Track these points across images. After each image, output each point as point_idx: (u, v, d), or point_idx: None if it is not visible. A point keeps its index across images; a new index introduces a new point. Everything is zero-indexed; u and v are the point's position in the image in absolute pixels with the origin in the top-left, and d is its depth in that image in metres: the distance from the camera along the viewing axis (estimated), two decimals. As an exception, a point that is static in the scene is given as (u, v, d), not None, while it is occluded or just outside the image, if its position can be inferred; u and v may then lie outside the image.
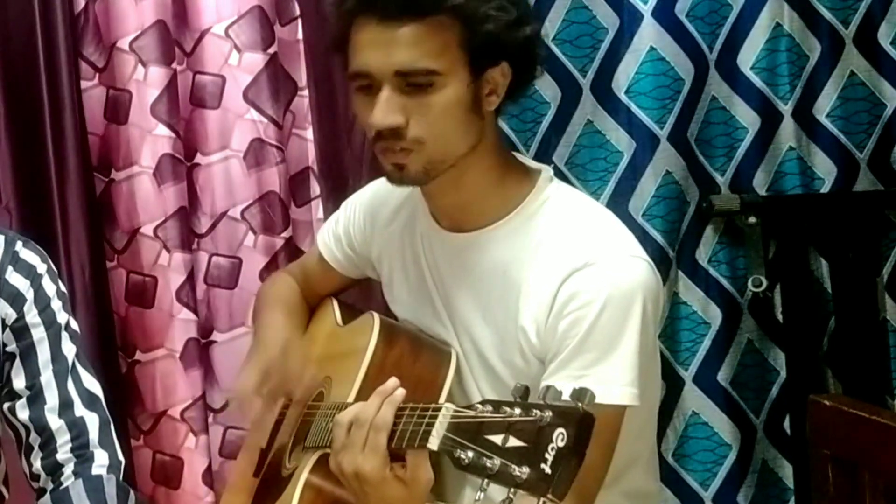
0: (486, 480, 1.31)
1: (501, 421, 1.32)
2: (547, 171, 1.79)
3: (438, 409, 1.40)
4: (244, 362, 1.93)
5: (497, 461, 1.30)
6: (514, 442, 1.30)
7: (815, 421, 1.84)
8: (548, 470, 1.26)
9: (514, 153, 1.83)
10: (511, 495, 1.29)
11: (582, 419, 1.28)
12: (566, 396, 1.32)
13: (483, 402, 1.36)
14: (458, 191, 1.73)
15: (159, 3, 2.49)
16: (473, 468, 1.32)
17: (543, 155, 2.62)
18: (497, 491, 1.32)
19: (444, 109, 1.63)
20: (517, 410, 1.31)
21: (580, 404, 1.29)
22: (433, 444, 1.38)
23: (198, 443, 2.52)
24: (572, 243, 1.69)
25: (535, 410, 1.30)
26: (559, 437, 1.27)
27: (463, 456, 1.33)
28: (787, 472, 2.67)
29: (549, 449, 1.27)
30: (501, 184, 1.75)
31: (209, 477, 2.53)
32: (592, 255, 1.67)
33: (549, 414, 1.28)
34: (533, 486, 1.28)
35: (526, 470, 1.28)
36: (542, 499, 1.28)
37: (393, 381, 1.53)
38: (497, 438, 1.31)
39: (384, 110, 1.62)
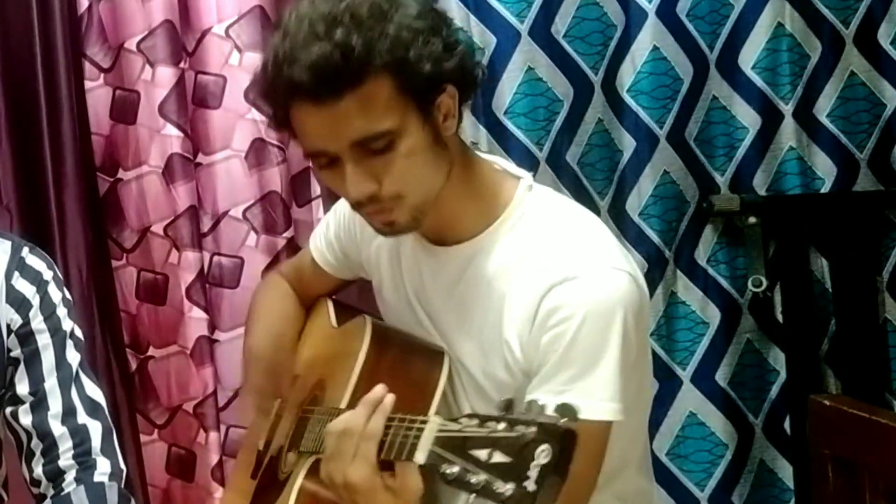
0: (472, 495, 1.31)
1: (487, 436, 1.31)
2: (526, 178, 1.77)
3: (425, 422, 1.40)
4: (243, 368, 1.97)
5: (482, 476, 1.29)
6: (498, 457, 1.29)
7: (815, 421, 1.85)
8: (531, 487, 1.25)
9: (493, 159, 1.81)
10: None
11: (564, 436, 1.27)
12: (550, 411, 1.31)
13: (469, 416, 1.36)
14: (436, 211, 1.72)
15: (166, 3, 2.49)
16: (459, 483, 1.31)
17: (557, 155, 2.60)
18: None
19: (410, 160, 1.61)
20: (501, 425, 1.30)
21: (562, 420, 1.28)
22: (420, 458, 1.37)
23: (208, 439, 2.54)
24: (553, 256, 1.67)
25: (519, 426, 1.29)
26: (542, 454, 1.26)
27: (449, 471, 1.32)
28: (786, 473, 2.67)
29: (533, 466, 1.26)
30: (478, 197, 1.73)
31: (220, 473, 2.54)
32: (572, 268, 1.65)
33: (532, 430, 1.27)
34: (517, 503, 1.27)
35: (510, 486, 1.27)
36: None
37: (380, 388, 1.53)
38: (482, 454, 1.30)
39: (354, 183, 1.61)
